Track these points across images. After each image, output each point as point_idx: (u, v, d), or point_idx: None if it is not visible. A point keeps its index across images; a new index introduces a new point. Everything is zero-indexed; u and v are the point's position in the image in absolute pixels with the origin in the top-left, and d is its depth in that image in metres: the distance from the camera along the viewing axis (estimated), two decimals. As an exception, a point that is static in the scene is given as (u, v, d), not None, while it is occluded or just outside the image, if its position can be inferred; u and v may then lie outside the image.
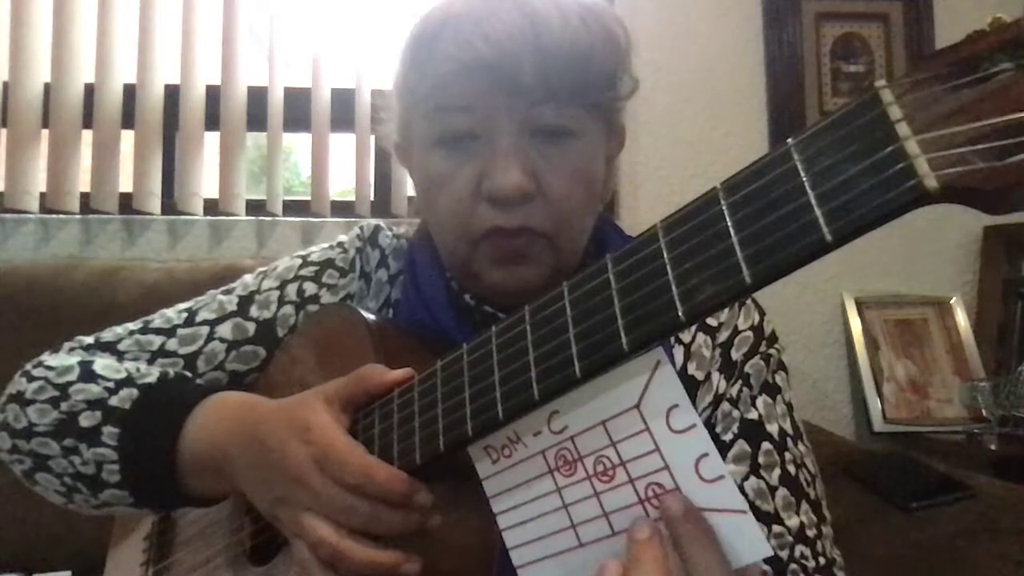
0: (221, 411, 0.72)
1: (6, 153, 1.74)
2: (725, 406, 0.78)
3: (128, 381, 0.76)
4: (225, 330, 0.84)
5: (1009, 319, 1.89)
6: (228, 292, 0.87)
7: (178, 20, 1.82)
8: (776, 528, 0.73)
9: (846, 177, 0.35)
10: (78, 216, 1.79)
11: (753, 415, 0.77)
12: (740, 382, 0.78)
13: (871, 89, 0.35)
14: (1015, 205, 0.32)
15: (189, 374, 0.82)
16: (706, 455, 0.44)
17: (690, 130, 2.01)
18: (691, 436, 0.45)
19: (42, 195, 1.77)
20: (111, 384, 0.75)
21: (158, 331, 0.84)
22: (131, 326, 0.86)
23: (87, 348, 0.84)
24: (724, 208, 0.39)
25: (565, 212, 0.72)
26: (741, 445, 0.76)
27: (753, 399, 0.78)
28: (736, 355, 0.79)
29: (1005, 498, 1.24)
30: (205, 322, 0.84)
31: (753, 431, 0.77)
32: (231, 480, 0.67)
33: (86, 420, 0.73)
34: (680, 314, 0.40)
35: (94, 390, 0.75)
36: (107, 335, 0.85)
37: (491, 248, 0.72)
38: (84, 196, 1.78)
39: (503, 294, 0.76)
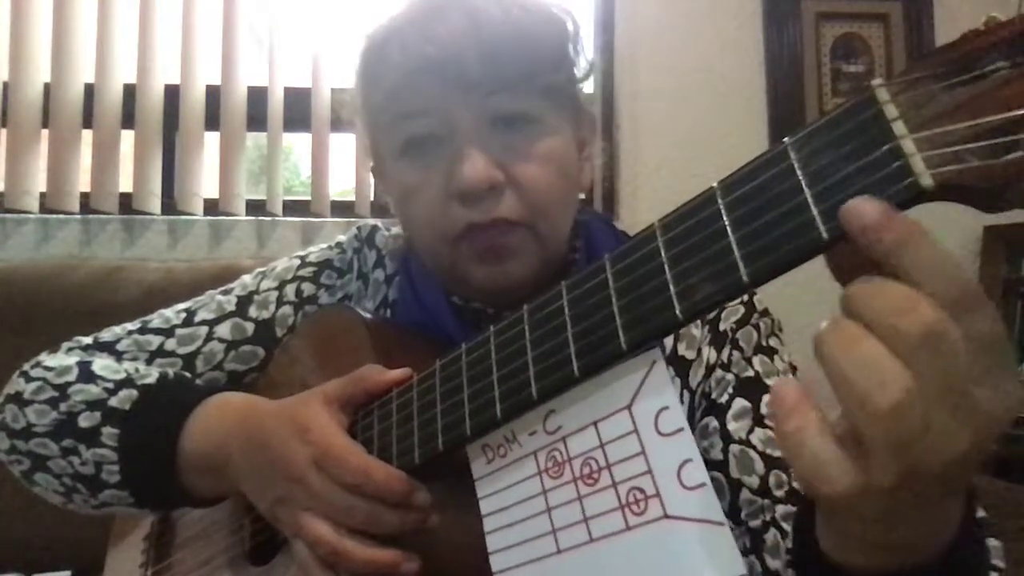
0: (221, 412, 0.72)
1: (6, 153, 1.75)
2: (718, 372, 0.77)
3: (127, 382, 0.76)
4: (224, 330, 0.84)
5: (1009, 319, 1.89)
6: (227, 292, 0.87)
7: (178, 20, 1.82)
8: None
9: (842, 175, 0.35)
10: (78, 216, 1.79)
11: (750, 373, 0.76)
12: (730, 347, 0.77)
13: (866, 87, 0.35)
14: (1010, 202, 0.32)
15: (188, 375, 0.82)
16: (690, 460, 0.44)
17: (690, 130, 2.00)
18: (677, 439, 0.45)
19: (42, 195, 1.77)
20: (110, 385, 0.75)
21: (157, 331, 0.84)
22: (129, 326, 0.86)
23: (85, 348, 0.84)
24: (721, 207, 0.39)
25: (538, 198, 0.72)
26: (740, 403, 0.75)
27: (748, 359, 0.77)
28: (725, 326, 0.78)
29: (1005, 498, 1.24)
30: (204, 322, 0.85)
31: (751, 387, 0.75)
32: (231, 480, 0.67)
33: (85, 421, 0.73)
34: (678, 313, 0.41)
35: (93, 391, 0.75)
36: (105, 335, 0.85)
37: (470, 247, 0.72)
38: (84, 196, 1.78)
39: (492, 292, 0.76)
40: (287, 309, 0.85)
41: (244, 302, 0.86)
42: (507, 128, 0.71)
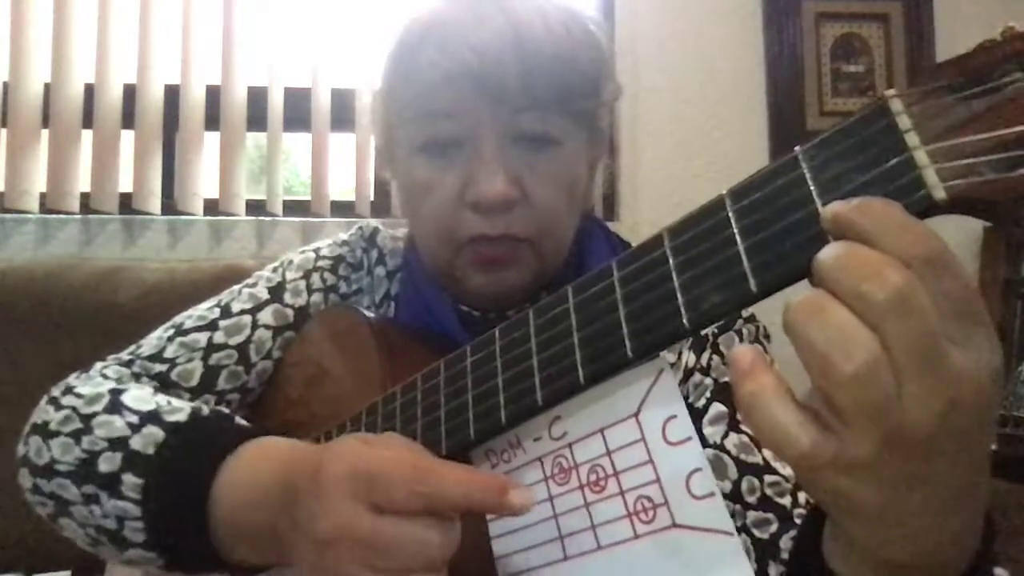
0: (260, 462, 0.59)
1: (6, 153, 1.74)
2: (696, 376, 0.77)
3: (153, 416, 0.65)
4: (267, 316, 0.81)
5: (1009, 319, 1.89)
6: (252, 285, 0.84)
7: (178, 20, 1.82)
8: (769, 478, 0.70)
9: (854, 187, 0.35)
10: (78, 216, 1.78)
11: (728, 378, 0.76)
12: (711, 351, 0.77)
13: (879, 98, 0.35)
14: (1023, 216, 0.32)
15: (227, 410, 0.71)
16: (699, 470, 0.44)
17: (690, 130, 2.00)
18: (685, 449, 0.44)
19: (42, 195, 1.76)
20: (135, 419, 0.65)
21: (198, 329, 0.80)
22: (163, 333, 0.81)
23: (127, 364, 0.78)
24: (731, 215, 0.39)
25: (548, 218, 0.73)
26: (716, 407, 0.75)
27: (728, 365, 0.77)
28: (706, 330, 0.78)
29: (1005, 498, 1.24)
30: (243, 311, 0.81)
31: (729, 393, 0.74)
32: (280, 554, 0.54)
33: (105, 464, 0.63)
34: (686, 322, 0.40)
35: (116, 425, 0.65)
36: (145, 348, 0.79)
37: (474, 253, 0.72)
38: (84, 196, 1.78)
39: (484, 298, 0.76)
40: (318, 297, 0.84)
41: (277, 290, 0.83)
42: (529, 146, 0.71)
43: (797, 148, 0.37)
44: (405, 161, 0.76)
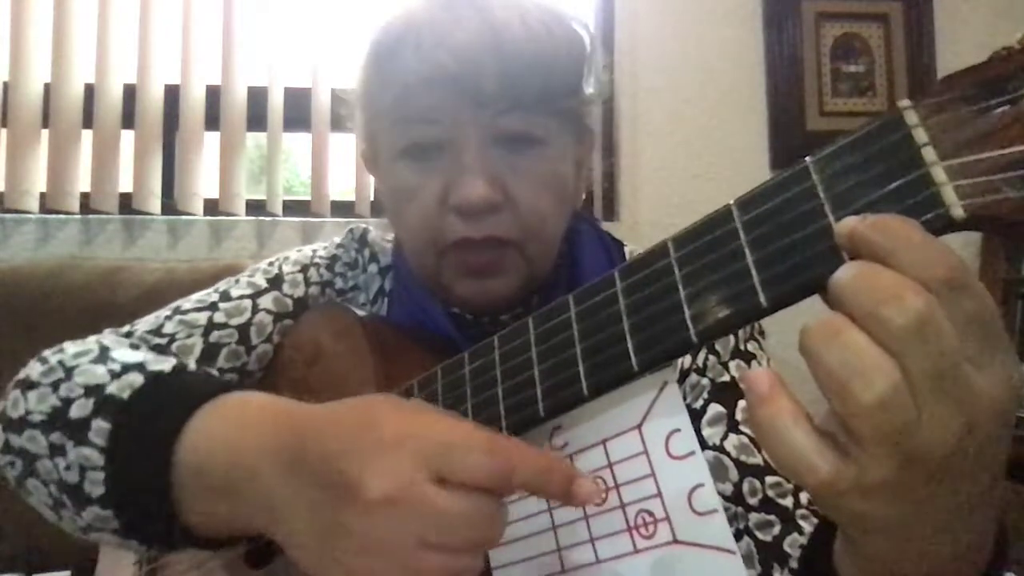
0: (241, 412, 0.54)
1: (6, 153, 1.74)
2: (692, 377, 0.76)
3: (138, 366, 0.60)
4: (267, 302, 0.80)
5: (1009, 319, 1.88)
6: (250, 276, 0.83)
7: (178, 20, 1.81)
8: (770, 479, 0.70)
9: (868, 201, 0.34)
10: (78, 216, 1.78)
11: (725, 378, 0.75)
12: (706, 350, 0.77)
13: (893, 108, 0.34)
14: (1048, 237, 0.31)
15: (218, 372, 0.71)
16: (701, 485, 0.43)
17: (690, 130, 2.00)
18: (688, 463, 0.44)
19: (42, 195, 1.76)
20: (117, 367, 0.60)
21: (198, 309, 0.78)
22: (161, 313, 0.79)
23: (125, 335, 0.76)
24: (739, 226, 0.38)
25: (534, 220, 0.71)
26: (715, 408, 0.74)
27: (725, 364, 0.76)
28: None
29: (1008, 498, 1.24)
30: (244, 296, 0.80)
31: (726, 393, 0.74)
32: (254, 510, 0.50)
33: (77, 409, 0.58)
34: (693, 335, 0.40)
35: (97, 372, 0.60)
36: (143, 325, 0.77)
37: (459, 259, 0.71)
38: (84, 196, 1.77)
39: (472, 306, 0.76)
40: (315, 290, 0.84)
41: (276, 281, 0.82)
42: (511, 145, 0.70)
43: (807, 158, 0.36)
44: (388, 165, 0.75)
